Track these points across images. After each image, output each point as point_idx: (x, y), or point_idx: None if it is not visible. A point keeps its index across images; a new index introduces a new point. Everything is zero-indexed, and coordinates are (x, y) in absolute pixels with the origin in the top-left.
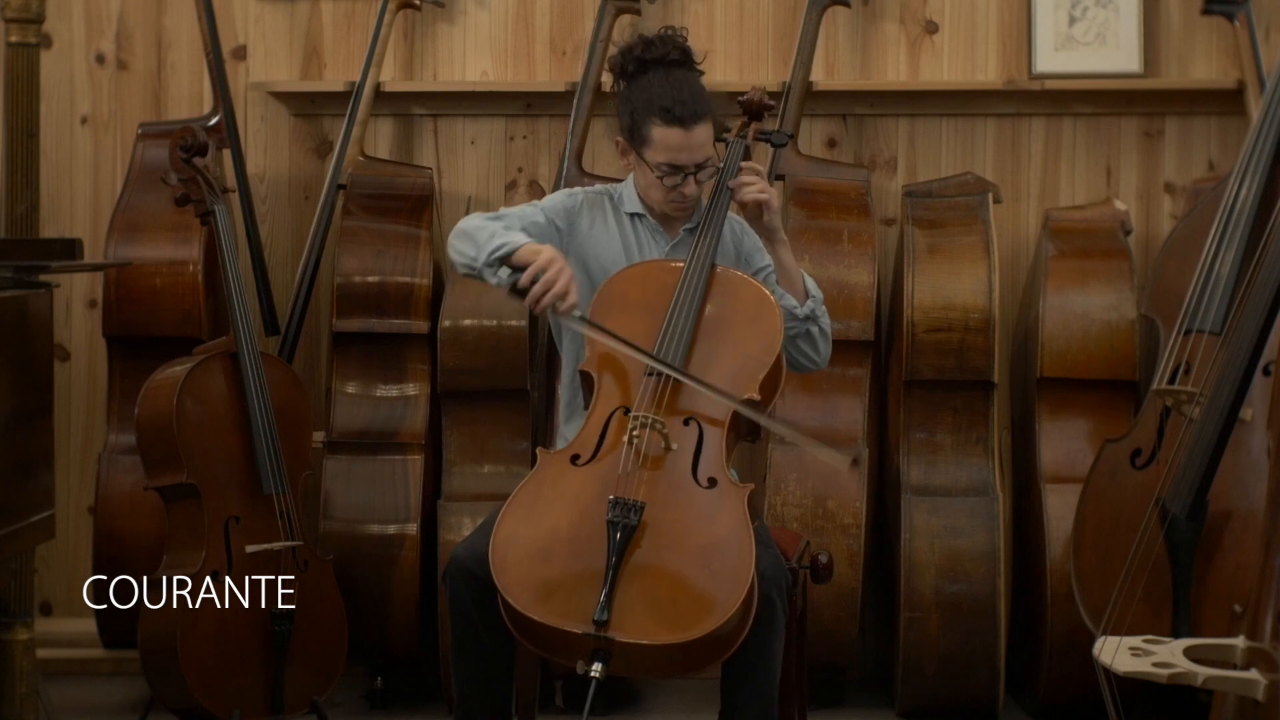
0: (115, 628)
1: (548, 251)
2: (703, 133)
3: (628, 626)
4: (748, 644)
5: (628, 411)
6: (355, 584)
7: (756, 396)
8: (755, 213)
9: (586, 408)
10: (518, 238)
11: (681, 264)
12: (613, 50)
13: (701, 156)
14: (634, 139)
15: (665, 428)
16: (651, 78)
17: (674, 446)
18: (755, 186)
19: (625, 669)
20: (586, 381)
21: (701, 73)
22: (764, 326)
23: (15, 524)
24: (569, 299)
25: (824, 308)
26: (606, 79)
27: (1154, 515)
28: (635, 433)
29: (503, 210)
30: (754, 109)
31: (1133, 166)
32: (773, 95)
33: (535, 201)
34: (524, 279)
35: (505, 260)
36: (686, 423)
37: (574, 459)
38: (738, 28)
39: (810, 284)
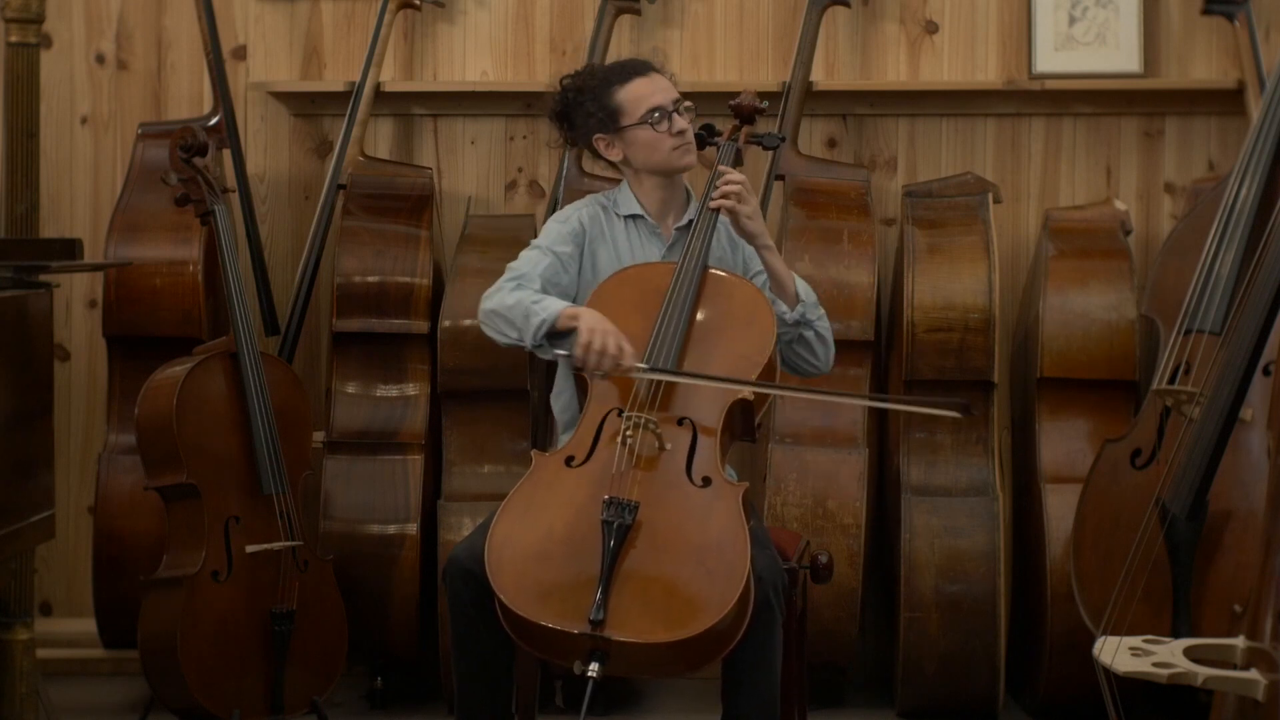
0: (115, 628)
1: (586, 317)
2: (661, 78)
3: (624, 625)
4: (747, 646)
5: (621, 413)
6: (355, 584)
7: (750, 396)
8: (732, 221)
9: (581, 410)
10: (550, 306)
11: (674, 266)
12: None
13: (674, 93)
14: (609, 122)
15: (658, 427)
16: (588, 81)
17: (668, 446)
18: (721, 193)
19: (622, 669)
20: (580, 384)
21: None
22: (757, 326)
23: (15, 524)
24: (626, 356)
25: (819, 310)
26: None
27: (1154, 515)
28: (629, 433)
29: (515, 269)
30: (745, 113)
31: (1133, 166)
32: (772, 95)
33: (536, 243)
34: (578, 357)
35: (548, 335)
36: (680, 422)
37: (568, 460)
38: (738, 28)
39: (802, 288)
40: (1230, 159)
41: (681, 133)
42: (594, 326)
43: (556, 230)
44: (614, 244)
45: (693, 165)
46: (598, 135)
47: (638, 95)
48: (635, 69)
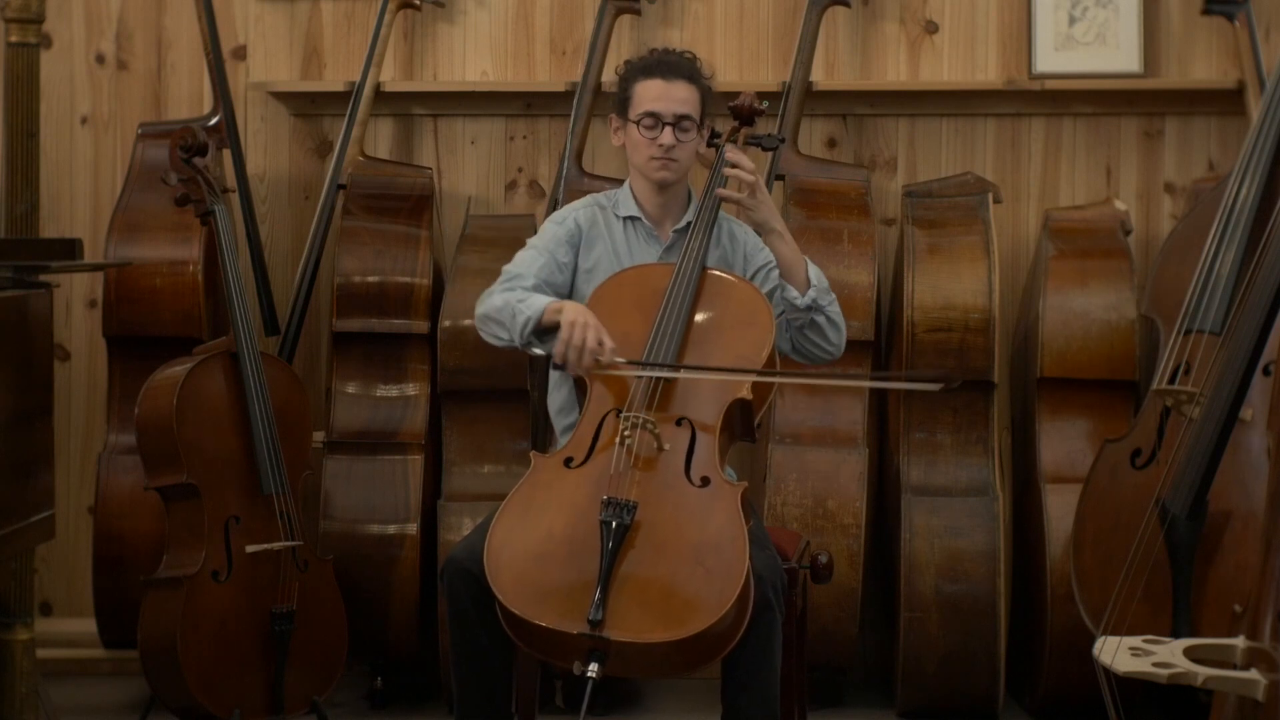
0: (115, 628)
1: (567, 311)
2: (683, 90)
3: (622, 626)
4: (746, 646)
5: (620, 413)
6: (355, 584)
7: (749, 396)
8: (744, 204)
9: (580, 411)
10: (535, 303)
11: (673, 267)
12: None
13: (681, 109)
14: (622, 107)
15: (657, 428)
16: (646, 59)
17: (666, 446)
18: (736, 183)
19: (621, 669)
20: (579, 385)
21: (708, 84)
22: (755, 327)
23: (15, 524)
24: (605, 347)
25: (831, 295)
26: (606, 79)
27: (1154, 515)
28: (627, 433)
29: (509, 270)
30: (744, 114)
31: (1133, 166)
32: (772, 95)
33: (532, 243)
34: (556, 354)
35: (536, 332)
36: (679, 423)
37: (567, 461)
38: (738, 28)
39: (814, 273)
40: (1230, 159)
41: (665, 148)
42: (574, 320)
43: (553, 232)
44: (611, 244)
45: (669, 181)
46: (611, 115)
47: (643, 94)
48: (661, 69)
